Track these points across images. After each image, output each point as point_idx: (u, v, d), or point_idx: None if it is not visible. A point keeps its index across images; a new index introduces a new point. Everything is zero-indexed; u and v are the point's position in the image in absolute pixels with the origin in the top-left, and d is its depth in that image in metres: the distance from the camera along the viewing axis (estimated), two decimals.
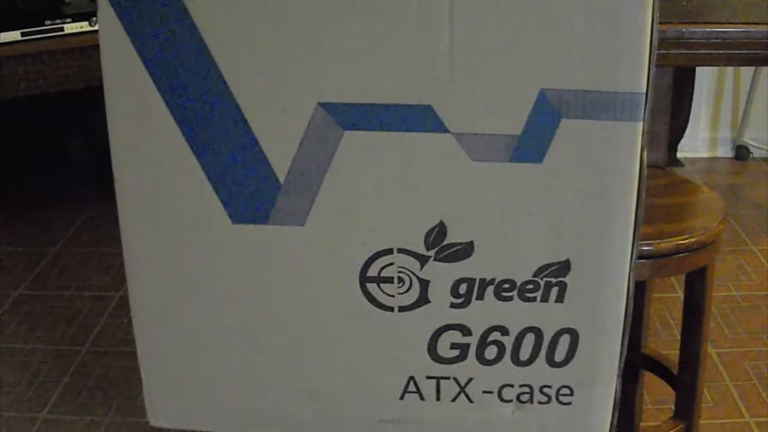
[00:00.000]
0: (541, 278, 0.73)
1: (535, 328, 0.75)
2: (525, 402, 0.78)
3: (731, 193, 2.58)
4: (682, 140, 2.68)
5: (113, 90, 0.71)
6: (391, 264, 0.74)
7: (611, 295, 0.73)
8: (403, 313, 0.75)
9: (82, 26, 1.83)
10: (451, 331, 0.76)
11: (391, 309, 0.75)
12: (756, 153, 2.83)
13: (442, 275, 0.74)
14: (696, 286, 1.14)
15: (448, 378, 0.78)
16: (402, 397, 0.79)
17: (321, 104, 0.69)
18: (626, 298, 0.73)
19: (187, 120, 0.71)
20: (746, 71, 2.76)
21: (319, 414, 0.81)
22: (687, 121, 2.60)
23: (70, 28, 1.82)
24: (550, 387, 0.77)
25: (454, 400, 0.79)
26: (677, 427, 1.21)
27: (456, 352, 0.77)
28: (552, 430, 0.79)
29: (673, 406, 1.26)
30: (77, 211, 2.51)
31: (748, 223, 2.37)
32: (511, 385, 0.78)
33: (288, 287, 0.76)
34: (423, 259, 0.73)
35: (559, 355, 0.76)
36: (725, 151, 2.88)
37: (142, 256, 0.76)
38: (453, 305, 0.75)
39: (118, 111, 0.71)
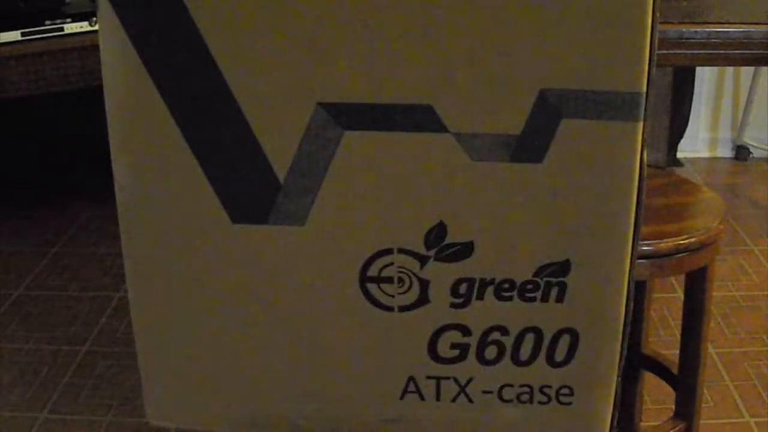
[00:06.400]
0: (541, 278, 0.73)
1: (535, 328, 0.75)
2: (525, 402, 0.78)
3: (731, 193, 2.58)
4: (682, 140, 2.68)
5: (113, 90, 0.71)
6: (391, 264, 0.74)
7: (611, 295, 0.73)
8: (403, 313, 0.75)
9: (82, 26, 1.83)
10: (451, 331, 0.76)
11: (391, 309, 0.75)
12: (756, 153, 2.83)
13: (442, 275, 0.74)
14: (696, 286, 1.14)
15: (448, 378, 0.78)
16: (402, 397, 0.79)
17: (321, 104, 0.69)
18: (626, 298, 0.73)
19: (187, 120, 0.71)
20: (746, 71, 2.76)
21: (319, 414, 0.81)
22: (687, 121, 2.60)
23: (70, 28, 1.82)
24: (550, 387, 0.77)
25: (454, 400, 0.79)
26: (677, 427, 1.21)
27: (456, 352, 0.77)
28: (552, 430, 0.79)
29: (673, 406, 1.26)
30: (77, 211, 2.51)
31: (748, 223, 2.37)
32: (511, 385, 0.78)
33: (288, 287, 0.76)
34: (423, 259, 0.73)
35: (559, 355, 0.76)
36: (725, 151, 2.88)
37: (142, 256, 0.76)
38: (453, 305, 0.75)
39: (118, 111, 0.71)
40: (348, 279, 0.75)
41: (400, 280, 0.74)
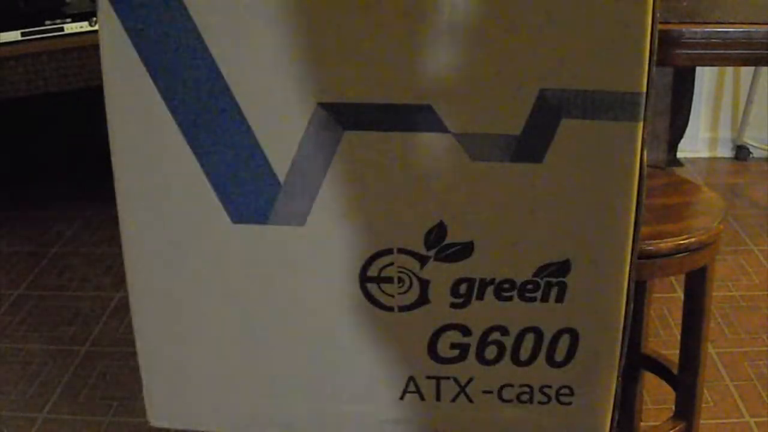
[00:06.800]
0: (541, 278, 0.73)
1: (535, 328, 0.75)
2: (525, 402, 0.78)
3: (731, 193, 2.58)
4: (682, 140, 2.68)
5: (113, 90, 0.71)
6: (391, 264, 0.74)
7: (611, 295, 0.73)
8: (403, 313, 0.75)
9: (82, 26, 1.83)
10: (451, 331, 0.76)
11: (391, 309, 0.75)
12: (756, 153, 2.83)
13: (442, 275, 0.74)
14: (696, 286, 1.14)
15: (448, 378, 0.78)
16: (402, 397, 0.79)
17: (321, 104, 0.69)
18: (626, 298, 0.73)
19: (187, 120, 0.71)
20: (746, 71, 2.76)
21: (319, 414, 0.81)
22: (687, 121, 2.60)
23: (70, 28, 1.82)
24: (550, 387, 0.77)
25: (454, 400, 0.79)
26: (677, 427, 1.21)
27: (456, 352, 0.77)
28: (552, 430, 0.79)
29: (673, 406, 1.25)
30: (77, 211, 2.50)
31: (748, 223, 2.37)
32: (511, 385, 0.78)
33: (288, 287, 0.76)
34: (423, 259, 0.73)
35: (559, 355, 0.76)
36: (725, 151, 2.88)
37: (142, 256, 0.76)
38: (453, 305, 0.75)
39: (118, 111, 0.71)
40: (348, 279, 0.75)
41: (400, 280, 0.74)
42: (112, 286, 2.10)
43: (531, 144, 0.68)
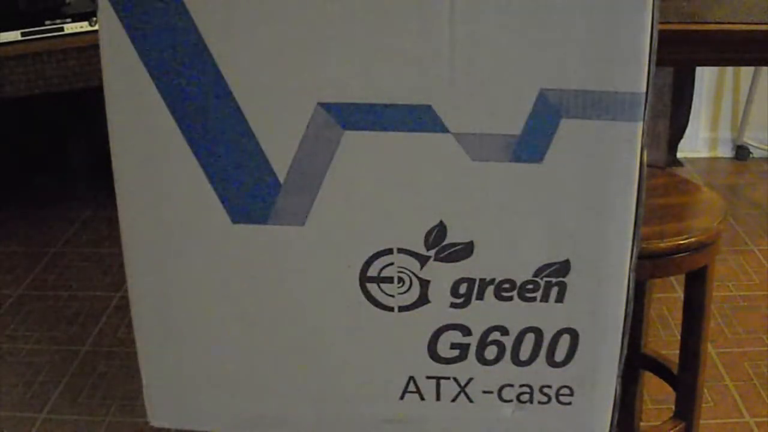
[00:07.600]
0: (541, 278, 0.73)
1: (535, 328, 0.75)
2: (525, 402, 0.78)
3: (731, 193, 2.58)
4: (682, 140, 2.68)
5: (113, 90, 0.71)
6: (391, 264, 0.74)
7: (611, 295, 0.73)
8: (403, 313, 0.75)
9: (82, 26, 1.83)
10: (451, 331, 0.76)
11: (391, 309, 0.75)
12: (756, 153, 2.83)
13: (442, 275, 0.74)
14: (696, 286, 1.14)
15: (448, 378, 0.78)
16: (402, 397, 0.79)
17: (321, 104, 0.69)
18: (626, 298, 0.73)
19: (187, 120, 0.71)
20: (746, 71, 2.76)
21: (319, 414, 0.81)
22: (687, 121, 2.60)
23: (70, 28, 1.82)
24: (550, 387, 0.77)
25: (454, 400, 0.79)
26: (677, 427, 1.21)
27: (456, 352, 0.77)
28: (552, 430, 0.79)
29: (673, 406, 1.26)
30: (77, 211, 2.51)
31: (748, 223, 2.37)
32: (511, 385, 0.78)
33: (288, 287, 0.76)
34: (423, 259, 0.73)
35: (559, 355, 0.76)
36: (725, 151, 2.88)
37: (142, 256, 0.76)
38: (453, 305, 0.75)
39: (118, 111, 0.71)
40: (348, 279, 0.75)
41: (400, 280, 0.74)
42: (112, 286, 2.10)
43: (531, 144, 0.68)
